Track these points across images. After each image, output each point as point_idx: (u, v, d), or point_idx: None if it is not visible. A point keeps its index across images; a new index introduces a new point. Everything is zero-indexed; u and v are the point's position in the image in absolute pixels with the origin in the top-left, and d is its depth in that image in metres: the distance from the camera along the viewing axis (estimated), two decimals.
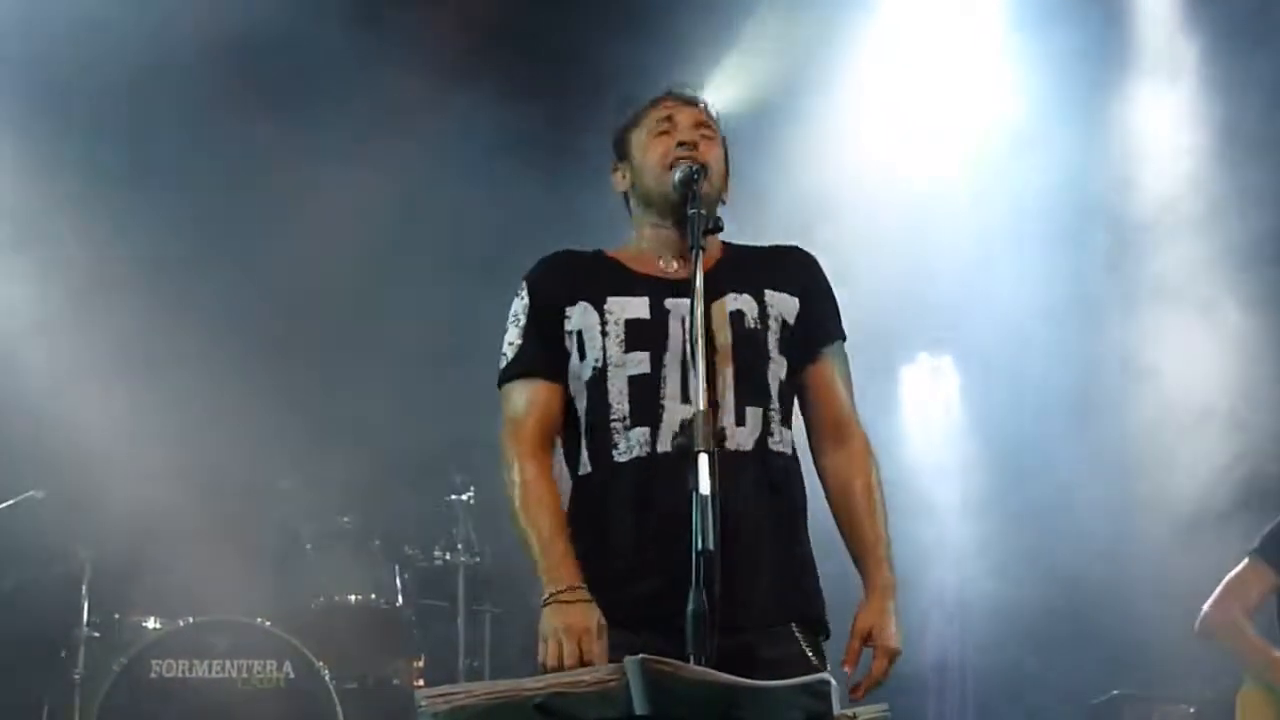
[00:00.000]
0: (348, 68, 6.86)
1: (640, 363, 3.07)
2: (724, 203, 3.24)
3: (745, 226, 3.30)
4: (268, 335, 6.73)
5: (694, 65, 6.90)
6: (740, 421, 3.04)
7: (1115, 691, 6.66)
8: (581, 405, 3.13)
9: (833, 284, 3.30)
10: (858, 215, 7.37)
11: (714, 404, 2.95)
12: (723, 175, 3.24)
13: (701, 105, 3.30)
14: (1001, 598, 7.19)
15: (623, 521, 3.00)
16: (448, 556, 6.71)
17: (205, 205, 6.75)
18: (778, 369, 3.12)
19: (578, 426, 3.14)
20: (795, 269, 3.25)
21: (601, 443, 3.07)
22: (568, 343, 3.13)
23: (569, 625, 2.87)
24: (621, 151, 3.30)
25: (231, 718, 5.78)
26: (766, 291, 3.16)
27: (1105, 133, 7.48)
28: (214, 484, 6.30)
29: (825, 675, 2.50)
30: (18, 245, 6.71)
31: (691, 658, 2.57)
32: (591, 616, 2.90)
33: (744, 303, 3.13)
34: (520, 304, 3.19)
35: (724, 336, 3.06)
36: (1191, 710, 6.37)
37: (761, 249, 3.31)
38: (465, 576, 6.68)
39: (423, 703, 2.46)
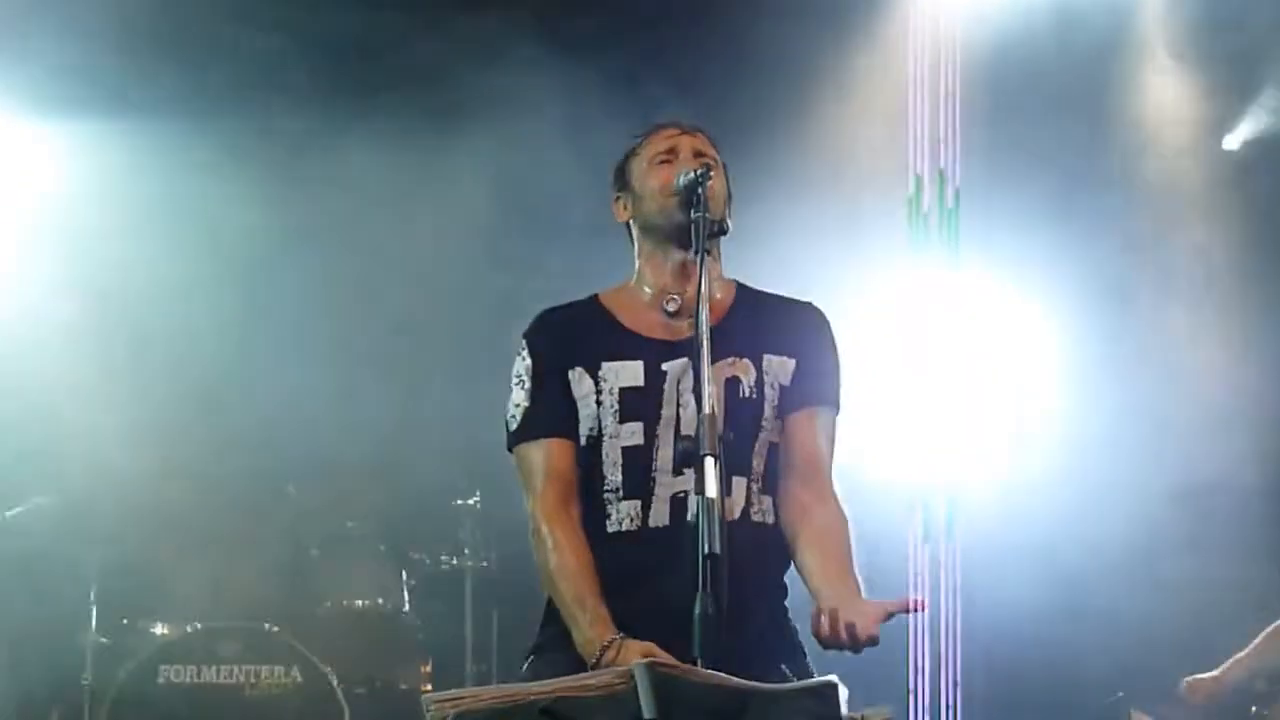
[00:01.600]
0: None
1: (634, 434, 3.07)
2: (727, 231, 3.17)
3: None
4: (275, 341, 6.73)
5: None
6: (727, 491, 2.97)
7: (1121, 693, 6.65)
8: (580, 469, 3.13)
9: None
10: (875, 176, 7.33)
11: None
12: (725, 203, 3.20)
13: (703, 134, 3.28)
14: (1007, 598, 7.16)
15: (612, 595, 2.97)
16: (455, 561, 6.72)
17: (220, 210, 6.74)
18: (768, 435, 3.11)
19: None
20: (801, 330, 3.21)
21: (595, 512, 3.08)
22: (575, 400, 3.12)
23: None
24: (622, 182, 3.28)
25: None
26: (765, 356, 3.13)
27: (1133, 114, 7.39)
28: (221, 490, 6.30)
29: (832, 678, 2.50)
30: (30, 251, 6.73)
31: (699, 661, 2.58)
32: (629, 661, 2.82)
33: (741, 369, 3.11)
34: (523, 364, 3.17)
35: (717, 405, 2.96)
36: (1199, 712, 6.35)
37: (774, 301, 3.26)
38: (472, 581, 6.69)
39: (430, 707, 2.46)
